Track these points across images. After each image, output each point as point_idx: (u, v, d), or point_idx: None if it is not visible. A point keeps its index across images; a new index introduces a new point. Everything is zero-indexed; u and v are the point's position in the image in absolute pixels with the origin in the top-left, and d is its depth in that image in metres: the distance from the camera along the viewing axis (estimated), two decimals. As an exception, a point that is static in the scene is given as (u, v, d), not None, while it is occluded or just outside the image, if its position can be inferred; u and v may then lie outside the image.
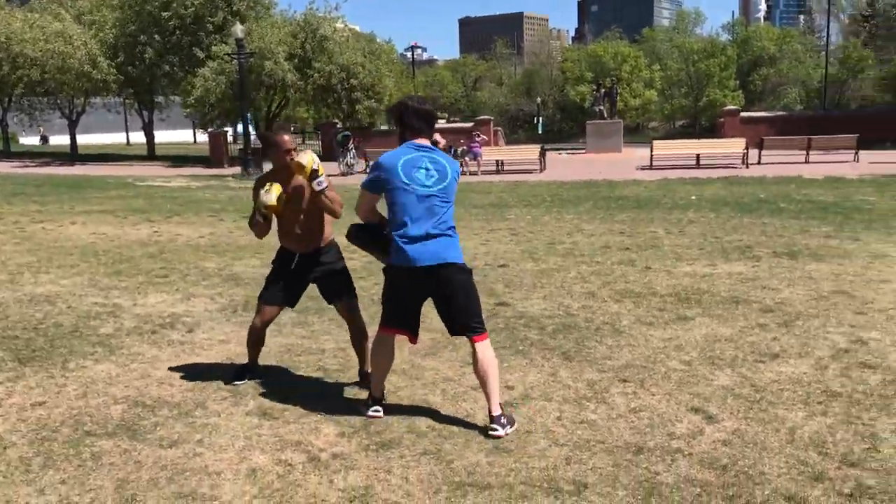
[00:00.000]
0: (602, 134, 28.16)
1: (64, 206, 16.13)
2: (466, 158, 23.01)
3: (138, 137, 57.15)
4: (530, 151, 25.20)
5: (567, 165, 24.55)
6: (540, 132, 56.91)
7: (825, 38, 73.76)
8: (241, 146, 24.75)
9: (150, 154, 35.09)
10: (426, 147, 4.14)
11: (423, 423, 4.23)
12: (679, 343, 5.61)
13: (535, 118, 59.31)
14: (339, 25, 30.66)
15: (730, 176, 19.81)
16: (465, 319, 4.14)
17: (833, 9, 67.99)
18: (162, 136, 40.10)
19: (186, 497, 3.44)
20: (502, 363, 5.19)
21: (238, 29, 22.71)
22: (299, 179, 4.63)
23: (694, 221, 12.18)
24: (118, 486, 3.56)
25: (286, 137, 4.75)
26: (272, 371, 5.20)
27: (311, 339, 5.97)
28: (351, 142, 25.07)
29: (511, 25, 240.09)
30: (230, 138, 35.38)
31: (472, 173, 22.55)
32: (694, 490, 3.43)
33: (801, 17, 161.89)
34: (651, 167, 22.36)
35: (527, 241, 10.63)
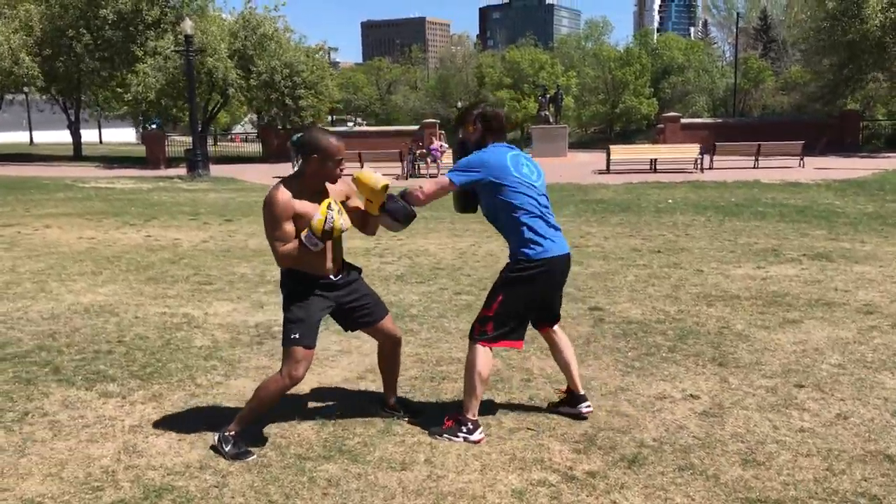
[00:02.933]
0: (548, 138, 28.41)
1: (17, 209, 15.07)
2: (428, 160, 22.79)
3: (42, 137, 54.33)
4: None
5: (522, 169, 24.57)
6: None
7: (722, 49, 77.36)
8: (190, 147, 23.71)
9: (77, 154, 33.25)
10: (513, 146, 4.18)
11: (630, 435, 4.04)
12: (813, 346, 5.60)
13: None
14: (280, 25, 29.92)
15: (691, 180, 20.27)
16: (558, 308, 4.32)
17: (726, 22, 71.33)
18: (88, 135, 38.02)
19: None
20: (657, 373, 5.07)
21: (187, 25, 21.75)
22: (345, 194, 3.89)
23: (690, 225, 12.35)
24: (390, 515, 3.23)
25: (341, 144, 3.76)
26: (414, 385, 4.90)
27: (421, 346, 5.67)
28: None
29: (414, 30, 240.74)
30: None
31: (432, 176, 22.36)
32: (983, 497, 3.38)
33: (692, 28, 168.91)
34: (608, 171, 22.69)
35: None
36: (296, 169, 3.92)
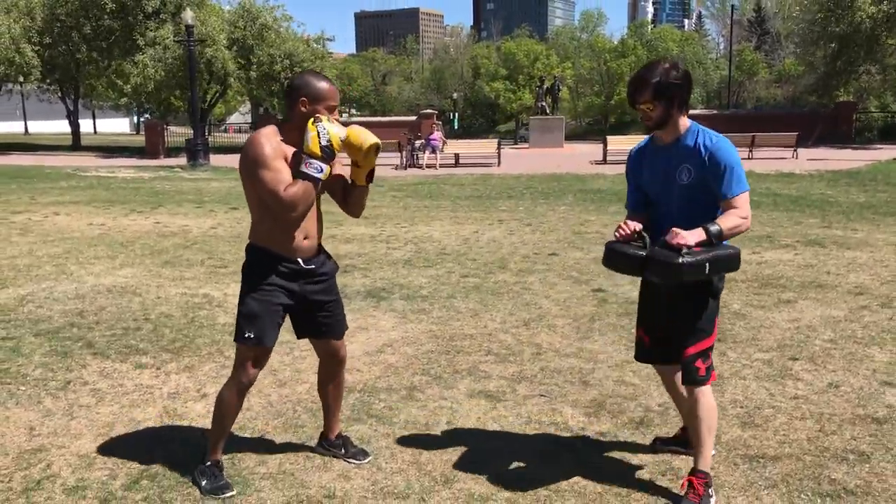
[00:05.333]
0: (545, 129, 28.69)
1: (23, 197, 15.29)
2: (427, 152, 23.05)
3: (36, 127, 54.36)
4: (487, 145, 25.49)
5: (521, 160, 24.90)
6: (455, 127, 57.40)
7: (716, 42, 77.76)
8: (191, 136, 23.90)
9: (76, 144, 33.40)
10: None
11: (637, 401, 4.34)
12: (806, 323, 5.90)
13: (451, 114, 59.69)
14: (278, 14, 30.11)
15: (686, 171, 20.53)
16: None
17: (721, 14, 71.62)
18: (83, 125, 38.11)
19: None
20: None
21: (188, 15, 21.93)
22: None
23: (687, 213, 12.63)
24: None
25: (334, 88, 3.24)
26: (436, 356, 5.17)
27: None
28: None
29: (407, 21, 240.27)
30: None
31: (430, 166, 22.61)
32: (963, 454, 3.68)
33: (686, 20, 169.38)
34: (605, 162, 22.99)
35: (549, 230, 10.79)
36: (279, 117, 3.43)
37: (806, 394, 4.46)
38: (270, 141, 3.08)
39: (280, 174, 3.04)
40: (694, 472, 3.25)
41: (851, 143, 29.84)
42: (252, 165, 3.05)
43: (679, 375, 3.34)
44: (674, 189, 3.20)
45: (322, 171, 3.05)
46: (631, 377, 4.75)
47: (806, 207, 13.25)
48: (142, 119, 31.23)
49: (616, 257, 3.15)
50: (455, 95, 63.30)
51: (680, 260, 2.93)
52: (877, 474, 3.46)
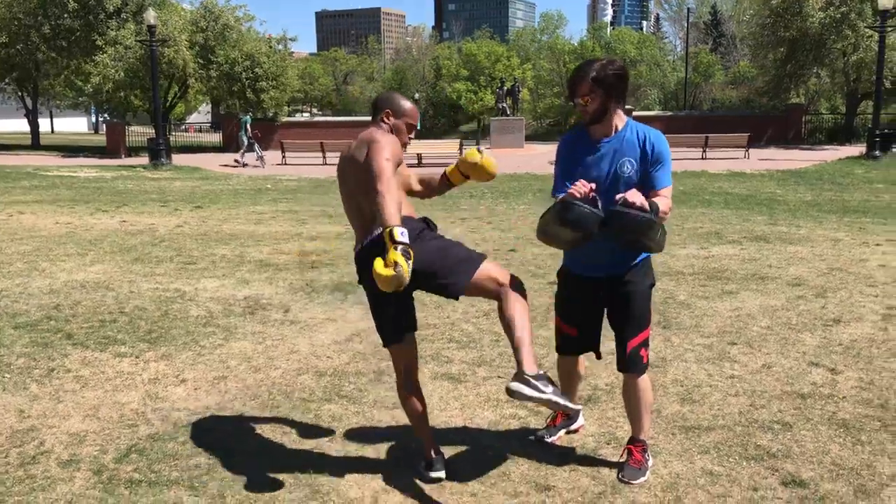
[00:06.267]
0: (506, 130, 29.14)
1: (-15, 196, 15.27)
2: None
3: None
4: (449, 146, 25.88)
5: (480, 160, 25.24)
6: (418, 128, 57.69)
7: (673, 44, 79.13)
8: (152, 136, 23.88)
9: (35, 143, 33.05)
10: None
11: (587, 381, 4.72)
12: (746, 312, 6.34)
13: (416, 114, 59.90)
14: (240, 14, 30.16)
15: (642, 171, 21.13)
16: None
17: (678, 16, 72.97)
18: (40, 124, 37.64)
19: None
20: (608, 334, 5.75)
21: (151, 15, 21.95)
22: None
23: (641, 211, 13.10)
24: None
25: (416, 109, 3.55)
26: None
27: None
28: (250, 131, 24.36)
29: (369, 20, 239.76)
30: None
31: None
32: (875, 423, 4.10)
33: (644, 22, 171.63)
34: (564, 162, 23.45)
35: (509, 228, 11.17)
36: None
37: (741, 374, 4.88)
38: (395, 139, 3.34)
39: (393, 162, 3.17)
40: (633, 441, 3.60)
41: (801, 144, 30.78)
42: (376, 145, 3.17)
43: (581, 360, 3.86)
44: (608, 181, 3.31)
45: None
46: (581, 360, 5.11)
47: (755, 205, 13.82)
48: (101, 118, 31.03)
49: (575, 213, 3.13)
50: (417, 96, 63.53)
51: (651, 216, 3.10)
52: (797, 441, 3.87)
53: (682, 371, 4.93)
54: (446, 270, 3.25)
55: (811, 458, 3.68)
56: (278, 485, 3.41)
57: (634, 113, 34.17)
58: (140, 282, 7.44)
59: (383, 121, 3.40)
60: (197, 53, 28.56)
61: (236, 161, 24.17)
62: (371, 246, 3.26)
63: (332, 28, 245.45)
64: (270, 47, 30.71)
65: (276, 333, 5.72)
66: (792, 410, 4.27)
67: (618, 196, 3.16)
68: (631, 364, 3.55)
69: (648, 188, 3.29)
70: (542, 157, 25.62)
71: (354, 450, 3.77)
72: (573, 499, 3.32)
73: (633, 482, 3.45)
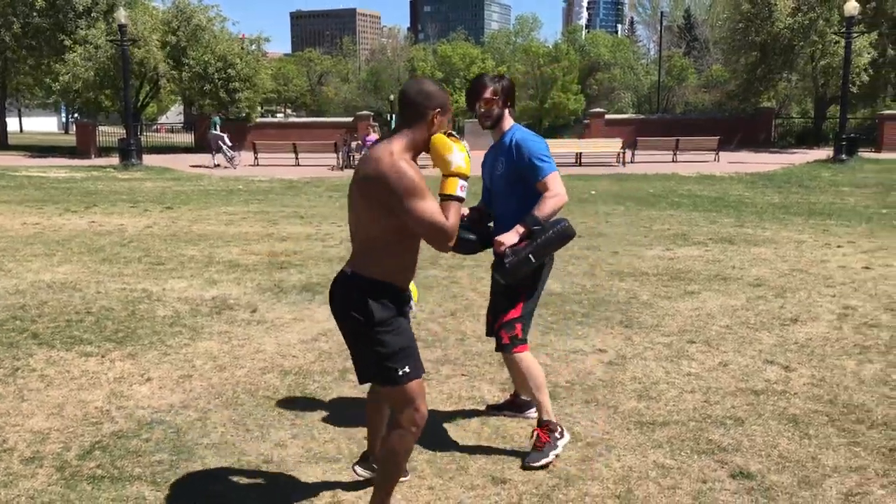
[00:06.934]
0: (480, 132, 29.13)
1: (-48, 197, 15.12)
2: (362, 153, 23.34)
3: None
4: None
5: (453, 161, 25.33)
6: (392, 129, 57.77)
7: (647, 47, 79.90)
8: (123, 136, 23.72)
9: (3, 143, 32.67)
10: None
11: (547, 379, 4.82)
12: (707, 312, 6.47)
13: (388, 115, 60.00)
14: (212, 14, 30.06)
15: (613, 173, 21.36)
16: None
17: (652, 20, 73.68)
18: (8, 124, 37.23)
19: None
20: (572, 333, 5.87)
21: (121, 14, 21.83)
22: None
23: (611, 214, 13.26)
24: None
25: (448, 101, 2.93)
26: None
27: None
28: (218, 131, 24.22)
29: (344, 21, 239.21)
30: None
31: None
32: (823, 418, 4.23)
33: (619, 26, 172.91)
34: (536, 164, 23.64)
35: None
36: (392, 131, 2.81)
37: (698, 371, 5.00)
38: (412, 164, 2.77)
39: (435, 202, 2.76)
40: (539, 422, 3.75)
41: (771, 148, 31.21)
42: (404, 197, 2.69)
43: None
44: (496, 180, 3.77)
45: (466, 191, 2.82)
46: (544, 359, 5.22)
47: (723, 208, 14.02)
48: (71, 118, 30.87)
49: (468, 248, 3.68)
50: (392, 97, 63.46)
51: (506, 263, 3.52)
52: (748, 435, 3.99)
53: (641, 369, 5.04)
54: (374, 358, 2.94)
55: (760, 451, 3.80)
56: (238, 479, 3.47)
57: (607, 116, 34.46)
58: (108, 282, 7.44)
59: (432, 122, 2.82)
60: (168, 54, 28.41)
61: (217, 164, 23.99)
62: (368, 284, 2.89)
63: (306, 28, 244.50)
64: (243, 48, 30.62)
65: (243, 333, 5.77)
66: (745, 406, 4.39)
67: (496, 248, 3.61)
68: (496, 343, 3.79)
69: (533, 181, 3.64)
70: (515, 159, 25.76)
71: (315, 446, 3.83)
72: (528, 491, 3.41)
73: (533, 464, 3.60)
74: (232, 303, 6.69)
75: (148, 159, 24.29)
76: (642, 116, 39.70)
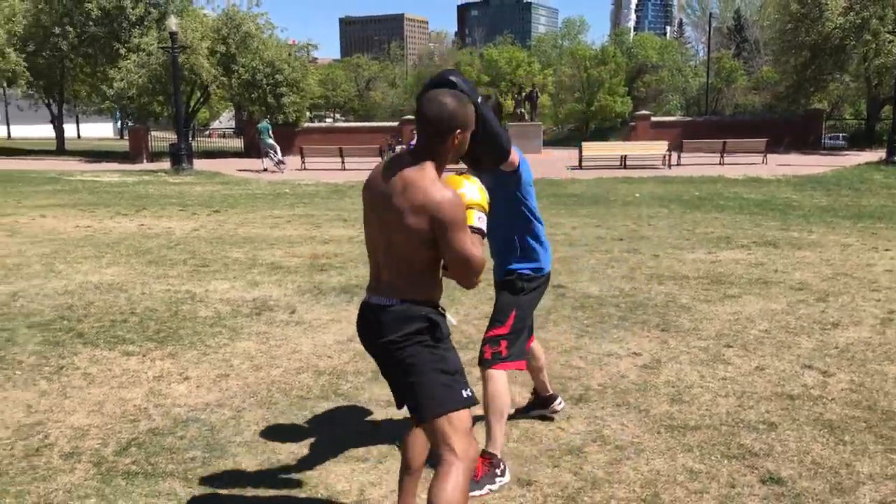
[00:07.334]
0: (524, 136, 29.14)
1: (9, 200, 15.59)
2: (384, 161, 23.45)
3: (19, 132, 54.42)
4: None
5: (497, 165, 25.35)
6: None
7: (696, 49, 78.87)
8: (172, 142, 24.24)
9: (60, 148, 33.64)
10: None
11: (579, 381, 4.81)
12: (746, 316, 6.39)
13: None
14: (262, 22, 30.59)
15: (659, 176, 21.16)
16: None
17: (701, 22, 72.70)
18: (67, 130, 38.35)
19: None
20: (607, 336, 5.84)
21: (172, 22, 22.33)
22: None
23: (654, 217, 13.14)
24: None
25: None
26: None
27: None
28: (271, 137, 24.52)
29: (392, 27, 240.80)
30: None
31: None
32: (860, 424, 4.15)
33: (668, 28, 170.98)
34: (581, 167, 23.55)
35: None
36: (412, 149, 2.62)
37: (733, 375, 4.94)
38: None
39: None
40: (482, 452, 3.44)
41: (820, 150, 30.59)
42: (452, 229, 2.51)
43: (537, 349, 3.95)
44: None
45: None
46: (577, 361, 5.21)
47: (769, 211, 13.80)
48: (126, 124, 31.77)
49: None
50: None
51: None
52: (780, 440, 3.94)
53: (675, 372, 5.00)
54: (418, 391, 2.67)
55: (792, 457, 3.75)
56: (268, 477, 3.54)
57: (653, 118, 34.13)
58: (153, 283, 7.62)
59: (452, 145, 2.59)
60: (218, 61, 28.97)
61: (265, 169, 24.28)
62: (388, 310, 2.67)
63: (355, 34, 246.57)
64: (290, 54, 31.06)
65: (281, 334, 5.86)
66: (779, 411, 4.33)
67: None
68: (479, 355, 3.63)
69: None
70: (559, 163, 25.68)
71: (345, 445, 3.88)
72: (553, 494, 3.41)
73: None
74: (272, 304, 6.80)
75: (198, 164, 24.76)
76: (689, 118, 39.24)
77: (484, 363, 3.56)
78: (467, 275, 2.62)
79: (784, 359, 5.27)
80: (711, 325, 6.11)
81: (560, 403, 4.24)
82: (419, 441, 2.96)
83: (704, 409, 4.36)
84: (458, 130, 2.58)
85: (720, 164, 23.56)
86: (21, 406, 4.38)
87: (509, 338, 3.57)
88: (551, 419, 4.21)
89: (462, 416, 2.64)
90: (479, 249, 2.61)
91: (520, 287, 3.64)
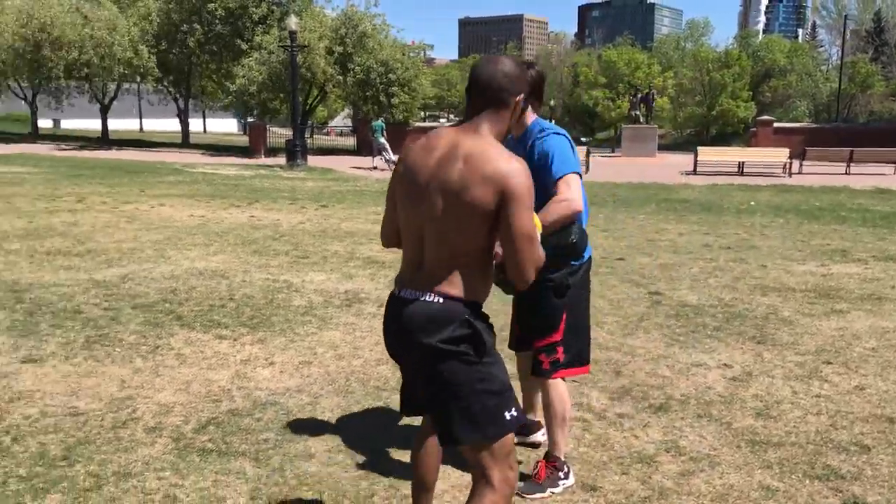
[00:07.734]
0: (638, 139, 28.69)
1: (133, 189, 16.45)
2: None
3: (150, 125, 57.51)
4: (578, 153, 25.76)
5: (609, 168, 25.03)
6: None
7: (829, 53, 75.32)
8: (289, 138, 25.06)
9: (185, 142, 35.42)
10: None
11: (663, 391, 4.65)
12: (852, 332, 6.05)
13: (549, 120, 59.86)
14: (378, 22, 31.23)
15: (778, 184, 20.32)
16: None
17: (837, 24, 69.28)
18: (194, 124, 40.36)
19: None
20: (699, 346, 5.64)
21: (293, 21, 23.10)
22: None
23: (767, 226, 12.61)
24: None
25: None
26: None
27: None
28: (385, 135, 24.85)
29: (511, 27, 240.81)
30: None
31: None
32: (966, 453, 3.86)
33: (800, 30, 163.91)
34: (695, 173, 22.89)
35: (622, 237, 11.03)
36: (479, 123, 2.36)
37: (830, 394, 4.68)
38: None
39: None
40: (546, 455, 3.45)
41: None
42: (521, 200, 2.24)
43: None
44: None
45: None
46: (663, 370, 5.06)
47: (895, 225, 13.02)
48: (246, 120, 33.26)
49: None
50: (553, 102, 63.44)
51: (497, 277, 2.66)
52: (872, 464, 3.71)
53: (766, 386, 4.78)
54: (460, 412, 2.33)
55: (883, 482, 3.52)
56: (334, 463, 3.59)
57: (775, 124, 32.76)
58: (254, 272, 7.88)
59: (516, 110, 2.42)
60: (335, 60, 29.76)
61: (375, 167, 24.68)
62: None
63: (474, 35, 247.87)
64: (404, 54, 31.58)
65: (367, 325, 5.95)
66: (875, 433, 4.08)
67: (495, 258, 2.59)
68: (532, 365, 3.45)
69: (549, 182, 3.14)
70: (673, 167, 25.05)
71: (412, 436, 3.89)
72: (618, 500, 3.32)
73: (525, 494, 3.34)
74: (363, 296, 6.91)
75: (313, 160, 25.49)
76: (815, 125, 37.48)
77: (543, 374, 3.40)
78: (529, 257, 2.26)
79: (889, 379, 4.95)
80: (812, 340, 5.81)
81: (543, 435, 3.82)
82: (431, 459, 2.78)
83: (792, 426, 4.15)
84: (520, 95, 2.39)
85: (846, 173, 22.39)
86: (116, 381, 4.61)
87: (565, 342, 3.37)
88: (623, 427, 4.10)
89: (504, 442, 2.36)
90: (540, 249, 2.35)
91: (565, 285, 3.34)
